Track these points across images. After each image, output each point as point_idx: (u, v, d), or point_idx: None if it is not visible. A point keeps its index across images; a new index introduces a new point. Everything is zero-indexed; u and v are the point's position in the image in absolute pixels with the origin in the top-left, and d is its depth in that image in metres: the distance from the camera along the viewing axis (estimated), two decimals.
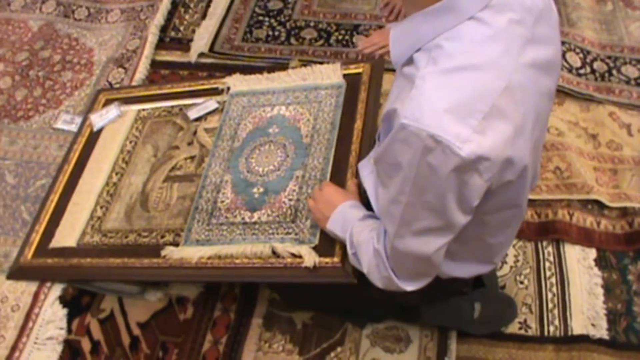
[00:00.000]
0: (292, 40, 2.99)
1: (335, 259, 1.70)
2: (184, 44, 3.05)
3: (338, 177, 1.89)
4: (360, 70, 2.20)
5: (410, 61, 1.16)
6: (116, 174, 2.24)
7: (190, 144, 2.23)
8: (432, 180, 1.07)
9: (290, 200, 1.90)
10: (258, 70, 2.37)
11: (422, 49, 1.12)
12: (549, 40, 1.20)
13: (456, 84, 1.04)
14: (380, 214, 1.37)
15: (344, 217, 1.59)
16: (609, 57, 2.78)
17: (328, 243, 1.74)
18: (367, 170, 1.58)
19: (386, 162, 1.18)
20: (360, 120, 2.02)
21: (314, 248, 1.76)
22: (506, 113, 1.06)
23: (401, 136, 1.06)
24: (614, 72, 2.71)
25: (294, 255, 1.76)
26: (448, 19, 1.08)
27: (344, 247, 1.60)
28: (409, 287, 1.39)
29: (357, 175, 1.83)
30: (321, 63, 2.30)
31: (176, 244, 1.94)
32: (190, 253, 1.87)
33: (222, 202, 1.98)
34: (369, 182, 1.56)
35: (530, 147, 1.17)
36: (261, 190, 1.96)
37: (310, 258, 1.71)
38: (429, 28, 1.10)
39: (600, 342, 2.00)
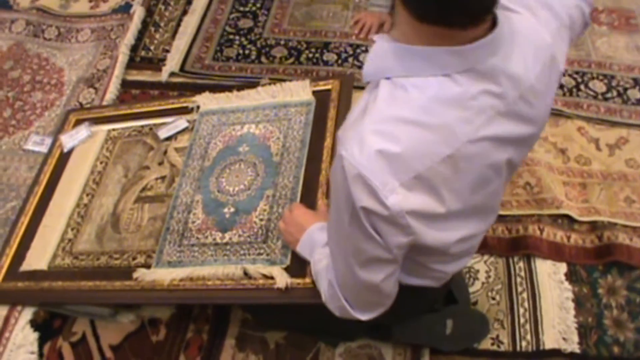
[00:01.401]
0: (263, 59, 3.00)
1: (307, 280, 1.70)
2: (154, 64, 3.05)
3: (308, 196, 1.90)
4: (329, 86, 2.20)
5: (376, 84, 1.14)
6: (87, 195, 2.22)
7: (160, 163, 2.22)
8: (361, 216, 1.08)
9: (261, 220, 1.90)
10: (229, 89, 2.36)
11: (391, 79, 1.09)
12: (531, 120, 1.18)
13: (402, 136, 1.02)
14: (328, 241, 1.38)
15: (312, 240, 1.59)
16: (577, 73, 2.81)
17: (299, 264, 1.73)
18: None
19: (332, 187, 1.18)
20: (330, 138, 2.02)
21: (286, 269, 1.75)
22: (438, 180, 1.06)
23: (339, 165, 1.06)
24: (582, 87, 2.74)
25: (265, 277, 1.76)
26: (424, 66, 1.04)
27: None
28: (364, 316, 1.39)
29: (327, 194, 1.84)
30: (291, 81, 2.31)
31: (148, 266, 1.93)
32: (162, 275, 1.87)
33: (193, 222, 1.98)
34: None
35: (459, 209, 1.17)
36: (232, 210, 1.96)
37: (281, 279, 1.71)
38: (404, 65, 1.07)
39: (571, 356, 2.02)
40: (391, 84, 1.08)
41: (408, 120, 1.03)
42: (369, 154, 1.01)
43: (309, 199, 1.88)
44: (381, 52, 1.12)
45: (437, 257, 1.37)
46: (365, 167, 1.01)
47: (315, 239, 1.58)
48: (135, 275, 1.91)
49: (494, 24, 1.04)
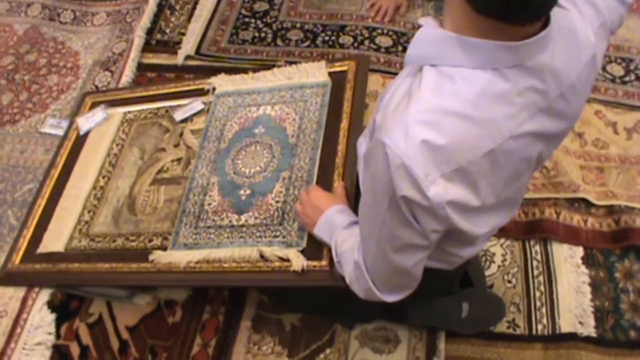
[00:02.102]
0: (279, 42, 2.99)
1: (323, 262, 1.70)
2: (170, 47, 3.04)
3: (324, 178, 1.89)
4: (345, 67, 2.20)
5: (419, 69, 1.12)
6: (103, 177, 2.23)
7: (176, 145, 2.22)
8: (400, 204, 1.08)
9: (277, 202, 1.90)
10: (245, 72, 2.35)
11: (436, 66, 1.07)
12: (566, 117, 1.17)
13: (448, 128, 1.02)
14: (360, 223, 1.37)
15: (330, 223, 1.59)
16: None
17: (316, 246, 1.73)
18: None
19: (369, 172, 1.18)
20: (346, 120, 2.01)
21: (302, 251, 1.76)
22: (477, 174, 1.07)
23: (382, 153, 1.05)
24: (600, 70, 2.71)
25: (282, 259, 1.76)
26: (475, 58, 1.02)
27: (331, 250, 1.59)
28: (390, 298, 1.39)
29: (344, 176, 1.83)
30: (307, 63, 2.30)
31: (164, 248, 1.94)
32: (179, 257, 1.87)
33: (209, 204, 1.98)
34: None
35: (492, 203, 1.19)
36: (248, 192, 1.96)
37: (298, 262, 1.71)
38: (454, 55, 1.04)
39: (587, 339, 2.01)
40: (437, 72, 1.06)
41: (455, 112, 1.02)
42: (414, 144, 1.01)
43: (325, 181, 1.87)
44: (429, 38, 1.09)
45: (461, 243, 1.37)
46: (410, 157, 1.01)
47: (334, 221, 1.58)
48: (151, 257, 1.92)
49: (546, 21, 1.02)
